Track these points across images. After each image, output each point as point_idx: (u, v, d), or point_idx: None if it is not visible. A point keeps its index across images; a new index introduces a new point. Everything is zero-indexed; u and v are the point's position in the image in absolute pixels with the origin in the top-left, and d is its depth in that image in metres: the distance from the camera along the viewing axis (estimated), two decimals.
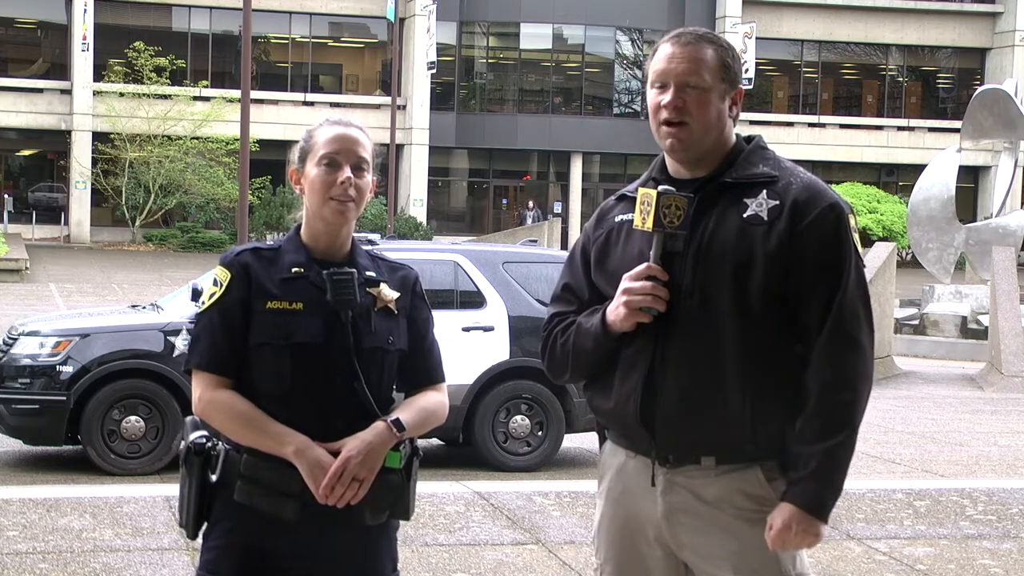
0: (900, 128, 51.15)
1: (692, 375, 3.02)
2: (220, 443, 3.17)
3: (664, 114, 3.08)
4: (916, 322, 21.85)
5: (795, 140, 49.36)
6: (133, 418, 9.92)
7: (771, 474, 3.03)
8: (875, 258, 18.13)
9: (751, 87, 45.80)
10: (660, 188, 3.05)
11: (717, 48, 3.11)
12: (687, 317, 3.03)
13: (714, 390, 3.01)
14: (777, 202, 3.02)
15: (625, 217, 3.20)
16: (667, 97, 3.08)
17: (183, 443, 3.22)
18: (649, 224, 3.03)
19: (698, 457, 3.06)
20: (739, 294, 3.00)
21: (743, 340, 2.99)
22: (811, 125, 50.61)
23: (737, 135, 3.18)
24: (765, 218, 3.02)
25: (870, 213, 44.37)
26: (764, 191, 3.05)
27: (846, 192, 45.29)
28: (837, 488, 2.98)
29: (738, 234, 3.02)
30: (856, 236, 3.06)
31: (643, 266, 3.05)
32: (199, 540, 3.28)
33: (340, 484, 3.07)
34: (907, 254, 35.23)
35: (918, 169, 26.57)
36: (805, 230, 2.99)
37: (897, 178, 50.75)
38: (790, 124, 50.35)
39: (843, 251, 3.01)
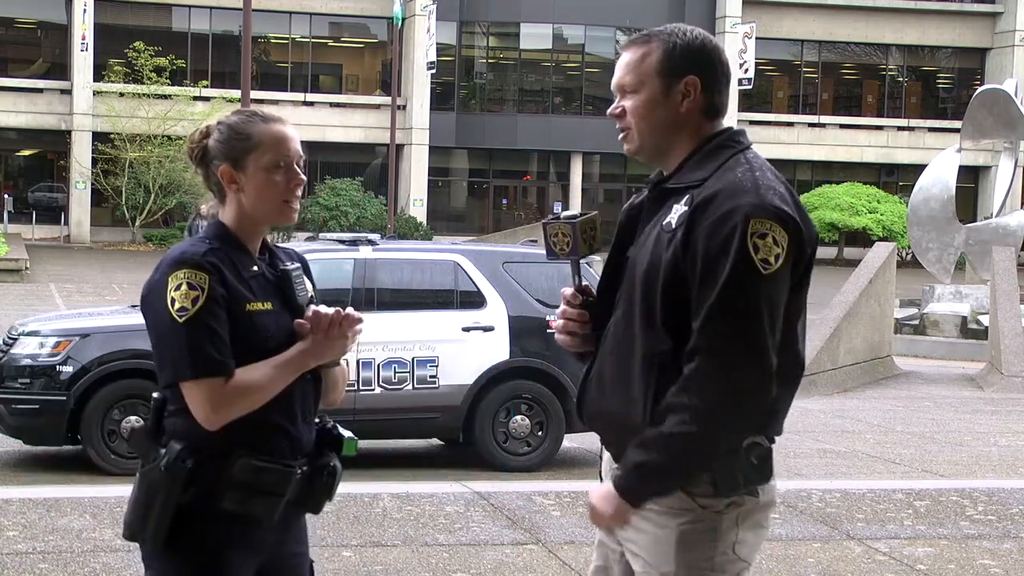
0: (900, 128, 51.17)
1: (608, 383, 3.06)
2: (196, 455, 3.08)
3: (616, 123, 3.09)
4: (916, 322, 21.84)
5: (795, 140, 49.42)
6: (133, 418, 9.90)
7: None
8: (875, 258, 18.12)
9: (751, 87, 45.80)
10: (547, 218, 3.15)
11: (660, 42, 3.02)
12: (614, 327, 3.07)
13: (622, 400, 3.02)
14: (687, 208, 2.92)
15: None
16: (611, 107, 3.10)
17: (167, 453, 3.08)
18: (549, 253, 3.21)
19: None
20: (647, 305, 2.96)
21: (648, 351, 2.96)
22: (811, 125, 50.62)
23: (723, 130, 3.07)
24: (673, 226, 2.94)
25: (870, 213, 44.35)
26: (687, 196, 2.95)
27: (846, 192, 45.30)
28: (649, 473, 2.90)
29: (653, 243, 2.98)
30: (769, 244, 2.84)
31: (565, 290, 3.19)
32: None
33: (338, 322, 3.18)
34: (907, 254, 35.23)
35: (918, 169, 26.57)
36: (698, 235, 2.87)
37: (897, 178, 50.76)
38: (790, 124, 50.38)
39: (726, 256, 2.83)
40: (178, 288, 3.04)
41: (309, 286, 3.33)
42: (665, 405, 2.89)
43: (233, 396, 3.04)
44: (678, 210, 2.95)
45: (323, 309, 3.16)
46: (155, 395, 3.20)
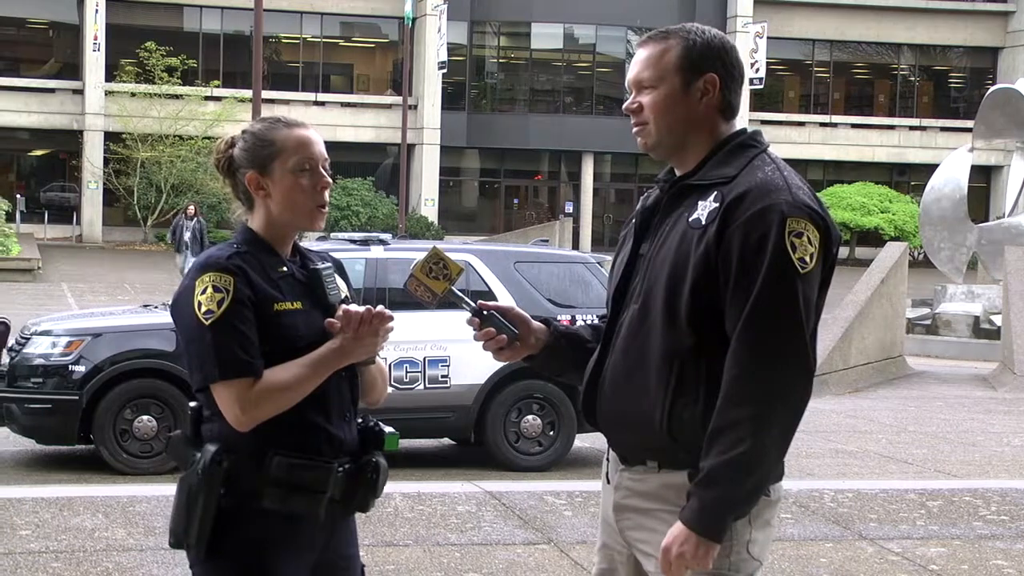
0: (912, 128, 51.03)
1: (622, 382, 3.05)
2: (231, 456, 3.10)
3: (631, 119, 3.09)
4: (928, 322, 21.79)
5: (806, 140, 49.32)
6: (145, 417, 9.93)
7: None
8: (887, 258, 18.09)
9: (762, 87, 45.71)
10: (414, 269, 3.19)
11: (679, 39, 3.03)
12: (628, 324, 3.06)
13: (638, 399, 3.00)
14: (718, 204, 2.92)
15: (629, 225, 3.22)
16: (626, 103, 3.11)
17: (203, 456, 3.10)
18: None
19: (644, 460, 3.07)
20: (670, 302, 2.95)
21: (668, 350, 2.95)
22: (822, 125, 50.52)
23: (742, 130, 3.09)
24: (703, 222, 2.93)
25: (882, 213, 44.26)
26: (715, 192, 2.95)
27: (857, 192, 45.22)
28: (726, 505, 2.86)
29: (679, 240, 2.97)
30: (804, 243, 2.86)
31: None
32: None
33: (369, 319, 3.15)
34: (919, 254, 35.13)
35: (930, 169, 26.52)
36: (733, 232, 2.87)
37: (909, 178, 50.63)
38: (801, 124, 50.28)
39: (763, 255, 2.84)
40: (204, 292, 3.07)
41: (343, 286, 3.34)
42: (714, 426, 2.87)
43: (262, 396, 3.06)
44: (707, 206, 2.95)
45: (353, 307, 3.16)
46: (191, 404, 3.25)
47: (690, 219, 2.96)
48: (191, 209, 29.35)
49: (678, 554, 2.88)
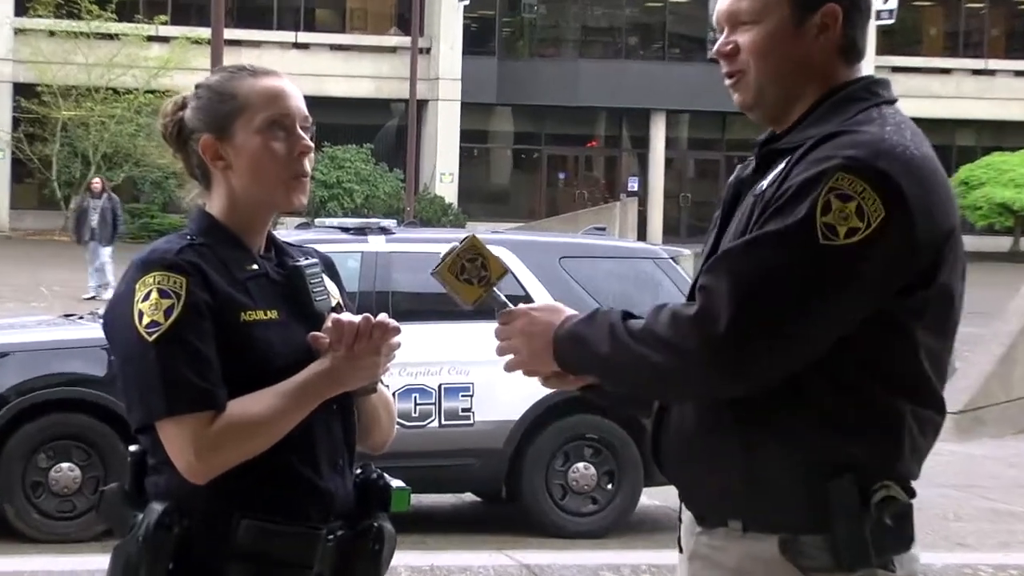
0: None
1: (692, 415, 3.06)
2: (184, 519, 3.08)
3: (722, 66, 3.08)
4: None
5: (953, 92, 49.18)
6: (66, 466, 9.96)
7: (797, 551, 2.94)
8: None
9: (893, 21, 45.63)
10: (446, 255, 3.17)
11: None
12: None
13: (714, 437, 3.01)
14: (784, 165, 2.94)
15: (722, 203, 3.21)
16: (718, 43, 3.10)
17: (146, 517, 3.08)
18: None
19: (724, 519, 3.06)
20: None
21: None
22: (975, 72, 50.43)
23: (862, 78, 3.08)
24: (764, 187, 2.97)
25: None
26: (789, 156, 2.96)
27: (1022, 162, 44.97)
28: (589, 345, 3.00)
29: (739, 218, 3.01)
30: (848, 210, 2.79)
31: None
32: None
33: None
34: None
35: None
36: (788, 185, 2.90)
37: None
38: (946, 71, 50.21)
39: (789, 201, 2.84)
40: (147, 298, 3.05)
41: (333, 289, 3.34)
42: (647, 324, 2.93)
43: (225, 437, 3.04)
44: (775, 169, 2.96)
45: (346, 317, 3.14)
46: (132, 448, 3.25)
47: (755, 190, 2.99)
48: (96, 183, 29.14)
49: (521, 330, 3.10)
